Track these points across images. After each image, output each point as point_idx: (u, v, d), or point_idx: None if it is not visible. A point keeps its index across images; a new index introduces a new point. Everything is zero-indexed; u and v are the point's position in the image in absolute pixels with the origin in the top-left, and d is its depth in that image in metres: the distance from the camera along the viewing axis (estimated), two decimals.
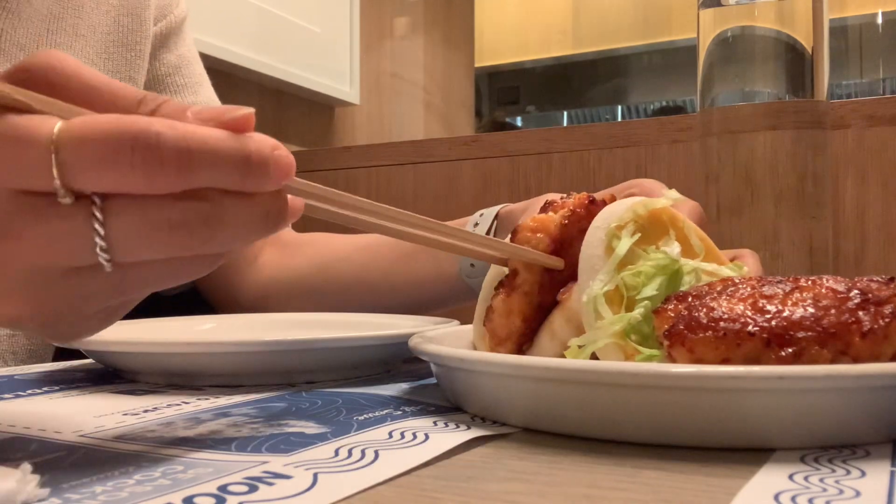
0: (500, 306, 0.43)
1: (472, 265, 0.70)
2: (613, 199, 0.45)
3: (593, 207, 0.44)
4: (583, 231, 0.43)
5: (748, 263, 0.58)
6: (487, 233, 0.69)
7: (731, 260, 0.58)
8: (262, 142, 0.29)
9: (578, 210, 0.44)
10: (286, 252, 0.84)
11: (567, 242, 0.43)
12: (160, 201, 0.28)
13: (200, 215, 0.28)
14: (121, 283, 0.29)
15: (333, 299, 0.78)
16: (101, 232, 0.27)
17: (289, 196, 0.31)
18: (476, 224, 0.71)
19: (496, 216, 0.70)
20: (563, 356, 0.40)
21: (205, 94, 0.86)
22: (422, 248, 0.74)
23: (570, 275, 0.43)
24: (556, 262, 0.43)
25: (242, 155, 0.28)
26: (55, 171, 0.27)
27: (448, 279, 0.72)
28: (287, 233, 0.87)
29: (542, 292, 0.43)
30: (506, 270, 0.44)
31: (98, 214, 0.27)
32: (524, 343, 0.44)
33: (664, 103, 3.41)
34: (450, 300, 0.75)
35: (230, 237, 0.29)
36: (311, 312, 0.71)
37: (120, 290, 0.30)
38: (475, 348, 0.46)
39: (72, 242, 0.28)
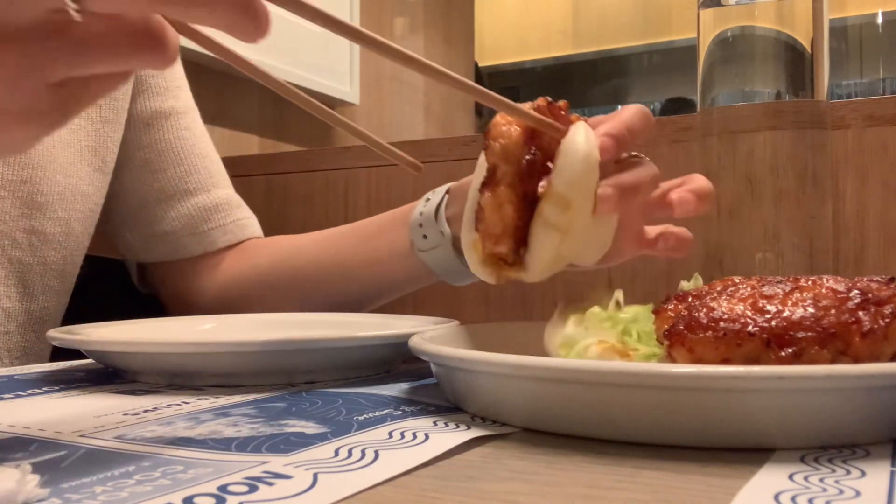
0: (488, 202, 0.45)
1: (424, 237, 0.68)
2: (568, 106, 0.48)
3: (553, 108, 0.47)
4: (549, 127, 0.46)
5: (698, 182, 0.56)
6: (438, 206, 0.68)
7: (680, 185, 0.57)
8: None
9: (541, 105, 0.47)
10: (247, 254, 0.84)
11: (536, 132, 0.46)
12: None
13: None
14: (83, 45, 0.30)
15: (291, 293, 0.77)
16: None
17: None
18: (427, 199, 0.70)
19: (447, 191, 0.70)
20: (562, 247, 0.43)
21: (184, 98, 0.86)
22: (376, 231, 0.74)
23: (543, 164, 0.46)
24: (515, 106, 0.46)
25: None
26: None
27: (401, 255, 0.70)
28: (249, 239, 0.87)
29: (523, 182, 0.45)
30: (484, 173, 0.46)
31: None
32: (519, 240, 0.45)
33: (664, 101, 3.40)
34: (408, 280, 0.73)
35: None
36: (309, 312, 0.71)
37: (81, 54, 0.31)
38: (471, 263, 0.47)
39: None
